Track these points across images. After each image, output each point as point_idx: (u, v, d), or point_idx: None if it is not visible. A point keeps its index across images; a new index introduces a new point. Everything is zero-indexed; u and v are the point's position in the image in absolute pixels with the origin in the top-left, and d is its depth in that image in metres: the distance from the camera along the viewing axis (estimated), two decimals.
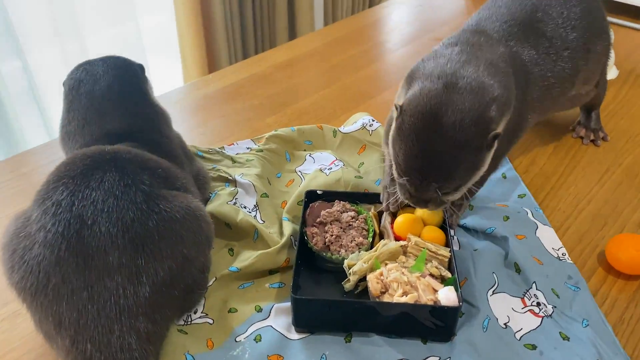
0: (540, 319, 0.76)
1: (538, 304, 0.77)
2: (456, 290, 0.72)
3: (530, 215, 0.93)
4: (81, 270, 0.61)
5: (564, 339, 0.73)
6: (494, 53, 0.82)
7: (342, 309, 0.73)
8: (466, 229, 0.90)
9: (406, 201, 0.78)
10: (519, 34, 0.91)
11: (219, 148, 1.07)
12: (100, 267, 0.62)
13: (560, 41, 0.93)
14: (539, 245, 0.87)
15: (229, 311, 0.77)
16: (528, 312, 0.77)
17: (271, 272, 0.83)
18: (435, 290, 0.73)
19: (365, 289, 0.77)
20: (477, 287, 0.79)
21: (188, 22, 1.95)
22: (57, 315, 0.62)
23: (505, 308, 0.77)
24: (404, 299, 0.71)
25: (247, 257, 0.82)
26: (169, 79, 2.01)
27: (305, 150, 1.08)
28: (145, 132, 0.82)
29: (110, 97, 0.81)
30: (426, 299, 0.72)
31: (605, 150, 1.12)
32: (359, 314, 0.72)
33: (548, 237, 0.89)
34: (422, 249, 0.78)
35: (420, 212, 0.85)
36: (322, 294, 0.79)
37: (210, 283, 0.79)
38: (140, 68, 0.88)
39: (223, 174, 0.98)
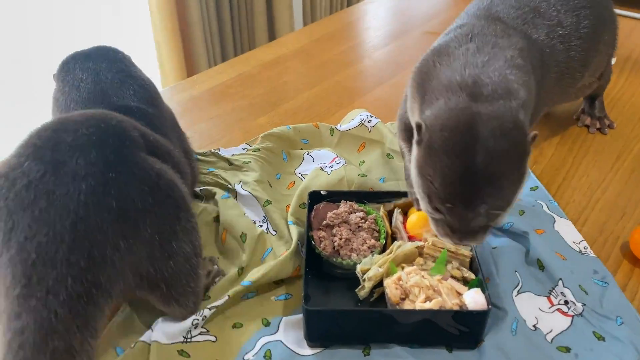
0: (570, 318, 0.70)
1: (566, 302, 0.72)
2: (483, 292, 0.66)
3: (545, 208, 0.88)
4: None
5: (598, 339, 0.68)
6: (512, 47, 0.75)
7: (359, 319, 0.67)
8: None
9: (445, 240, 0.67)
10: (533, 21, 0.85)
11: (214, 150, 1.00)
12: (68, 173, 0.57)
13: (572, 29, 0.88)
14: (559, 240, 0.82)
15: (233, 326, 0.70)
16: (556, 311, 0.72)
17: (276, 282, 0.77)
18: (460, 294, 0.68)
19: (381, 296, 0.71)
20: (501, 287, 0.73)
21: (164, 27, 1.88)
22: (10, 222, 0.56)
23: (532, 308, 0.72)
24: (427, 305, 0.65)
25: (257, 270, 0.75)
26: None
27: (302, 149, 1.01)
28: (141, 104, 0.79)
29: (111, 76, 0.80)
30: (451, 303, 0.66)
31: (613, 138, 1.08)
32: (378, 323, 0.66)
33: (567, 230, 0.84)
34: (440, 249, 0.72)
35: None
36: (334, 304, 0.73)
37: (221, 302, 0.71)
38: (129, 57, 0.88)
39: (221, 181, 0.91)
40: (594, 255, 0.80)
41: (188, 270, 0.66)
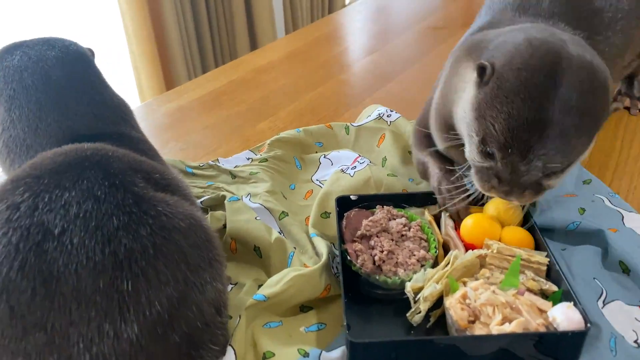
0: None
1: None
2: (575, 306, 0.52)
3: (607, 202, 0.75)
4: (40, 300, 0.43)
5: None
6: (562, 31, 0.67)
7: (421, 350, 0.52)
8: (541, 230, 0.71)
9: (488, 193, 0.58)
10: (570, 15, 0.75)
11: (213, 161, 0.85)
12: (67, 296, 0.43)
13: (613, 12, 0.78)
14: (635, 237, 0.68)
15: (264, 357, 0.55)
16: None
17: (302, 308, 0.62)
18: (543, 311, 0.54)
19: (440, 320, 0.57)
20: (584, 298, 0.59)
21: (140, 42, 1.75)
22: None
23: (627, 320, 0.58)
24: (508, 328, 0.51)
25: (276, 281, 0.60)
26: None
27: (317, 153, 0.87)
28: (119, 127, 0.63)
29: (72, 85, 0.61)
30: (535, 324, 0.52)
31: None
32: (445, 355, 0.52)
33: None
34: (509, 257, 0.59)
35: (492, 210, 0.65)
36: (382, 333, 0.58)
37: (235, 326, 0.57)
38: (91, 52, 0.68)
39: (225, 193, 0.77)
40: None
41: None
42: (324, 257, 0.63)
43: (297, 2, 2.31)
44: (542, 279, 0.57)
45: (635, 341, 0.56)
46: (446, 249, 0.63)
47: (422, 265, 0.60)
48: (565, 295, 0.55)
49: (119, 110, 0.65)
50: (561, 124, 0.54)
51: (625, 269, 0.63)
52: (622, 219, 0.72)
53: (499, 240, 0.61)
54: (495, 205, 0.65)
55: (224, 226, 0.71)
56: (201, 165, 0.84)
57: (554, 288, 0.56)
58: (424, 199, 0.69)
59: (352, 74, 1.20)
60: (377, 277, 0.60)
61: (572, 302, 0.52)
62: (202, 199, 0.75)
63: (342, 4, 2.59)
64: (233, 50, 2.10)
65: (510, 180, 0.56)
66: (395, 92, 1.10)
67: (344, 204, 0.68)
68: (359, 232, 0.64)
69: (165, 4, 1.76)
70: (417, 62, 1.22)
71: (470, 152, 0.60)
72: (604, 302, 0.60)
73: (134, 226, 0.46)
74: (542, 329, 0.51)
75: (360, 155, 0.81)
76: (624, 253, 0.64)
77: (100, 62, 0.68)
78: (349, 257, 0.61)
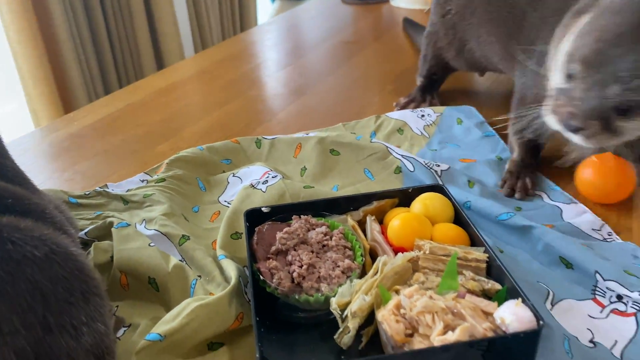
0: (634, 317, 0.51)
1: (620, 298, 0.53)
2: (524, 303, 0.45)
3: (546, 198, 0.70)
4: None
5: None
6: None
7: None
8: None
9: (553, 118, 0.58)
10: None
11: (101, 187, 0.73)
12: None
13: None
14: (576, 232, 0.64)
15: None
16: (611, 314, 0.52)
17: (211, 346, 0.51)
18: (488, 313, 0.46)
19: (374, 338, 0.48)
20: (530, 299, 0.52)
21: (31, 66, 1.60)
22: None
23: (581, 319, 0.52)
24: (452, 337, 0.43)
25: (174, 315, 0.49)
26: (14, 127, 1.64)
27: (224, 172, 0.78)
28: None
29: None
30: (482, 328, 0.44)
31: None
32: None
33: (582, 219, 0.66)
34: (442, 257, 0.51)
35: (419, 207, 0.58)
36: None
37: None
38: None
39: (113, 219, 0.65)
40: (622, 240, 0.62)
41: None
42: (233, 281, 0.53)
43: (206, 22, 2.23)
44: (483, 278, 0.50)
45: (591, 340, 0.50)
46: (374, 256, 0.55)
47: (348, 277, 0.51)
48: (510, 292, 0.48)
49: None
50: None
51: (568, 265, 0.57)
52: (561, 214, 0.67)
53: (431, 240, 0.54)
54: (423, 201, 0.58)
55: (112, 259, 0.59)
56: (87, 193, 0.72)
57: (498, 286, 0.49)
58: (346, 205, 0.61)
59: (264, 89, 1.12)
60: (297, 297, 0.50)
61: (519, 299, 0.45)
62: (86, 230, 0.63)
63: (254, 23, 2.55)
64: (139, 71, 1.98)
65: (582, 100, 0.52)
66: (311, 104, 1.03)
67: (254, 218, 0.58)
68: (273, 248, 0.54)
69: (59, 24, 1.63)
70: (331, 74, 1.16)
71: (554, 78, 0.58)
72: (552, 303, 0.54)
73: None
74: (490, 334, 0.43)
75: (270, 170, 0.72)
76: (562, 248, 0.58)
77: None
78: (262, 277, 0.51)
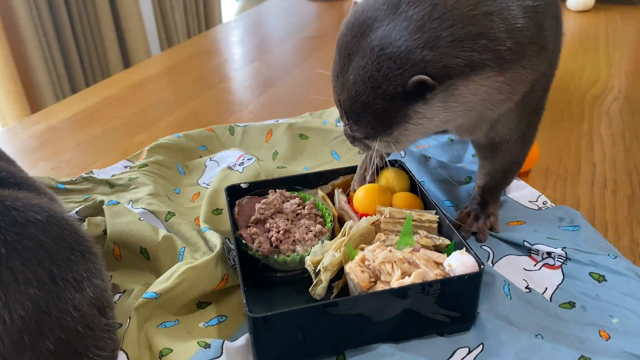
0: (560, 270, 0.60)
1: (549, 254, 0.62)
2: (468, 252, 0.54)
3: None
4: None
5: (599, 281, 0.58)
6: None
7: (327, 317, 0.50)
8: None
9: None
10: None
11: (87, 174, 0.79)
12: None
13: None
14: (515, 205, 0.72)
15: (161, 355, 0.50)
16: (543, 267, 0.61)
17: (200, 305, 0.58)
18: (439, 263, 0.54)
19: (343, 290, 0.56)
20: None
21: None
22: None
23: (517, 270, 0.61)
24: (408, 280, 0.51)
25: (167, 276, 0.56)
26: None
27: (201, 157, 0.84)
28: None
29: None
30: (434, 274, 0.52)
31: None
32: (351, 318, 0.50)
33: (521, 193, 0.75)
34: (401, 220, 0.59)
35: (382, 181, 0.66)
36: None
37: (126, 326, 0.52)
38: None
39: (103, 198, 0.70)
40: (555, 205, 0.71)
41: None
42: (218, 247, 0.60)
43: (171, 20, 2.27)
44: (435, 236, 0.59)
45: (527, 287, 0.59)
46: (341, 223, 0.63)
47: (320, 239, 0.59)
48: (457, 246, 0.56)
49: None
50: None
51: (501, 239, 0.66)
52: (505, 191, 0.76)
53: (390, 206, 0.62)
54: (384, 174, 0.66)
55: (104, 232, 0.65)
56: (74, 179, 0.77)
57: (447, 242, 0.58)
58: (316, 180, 0.68)
59: (233, 82, 1.19)
60: (276, 258, 0.58)
61: (464, 249, 0.54)
62: (78, 209, 0.69)
63: (218, 21, 2.59)
64: (105, 69, 2.00)
65: (345, 132, 0.57)
66: (279, 95, 1.10)
67: (234, 193, 0.65)
68: (253, 217, 0.61)
69: (23, 23, 1.64)
70: (297, 68, 1.24)
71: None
72: (492, 262, 0.62)
73: None
74: (441, 277, 0.52)
75: (245, 153, 0.79)
76: (506, 218, 0.67)
77: None
78: (244, 242, 0.58)
